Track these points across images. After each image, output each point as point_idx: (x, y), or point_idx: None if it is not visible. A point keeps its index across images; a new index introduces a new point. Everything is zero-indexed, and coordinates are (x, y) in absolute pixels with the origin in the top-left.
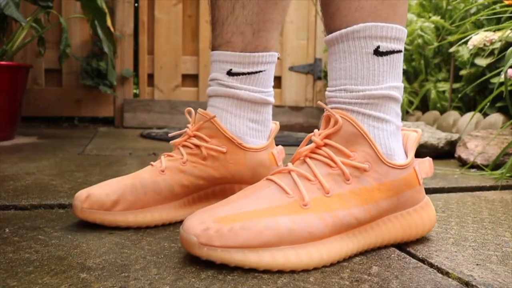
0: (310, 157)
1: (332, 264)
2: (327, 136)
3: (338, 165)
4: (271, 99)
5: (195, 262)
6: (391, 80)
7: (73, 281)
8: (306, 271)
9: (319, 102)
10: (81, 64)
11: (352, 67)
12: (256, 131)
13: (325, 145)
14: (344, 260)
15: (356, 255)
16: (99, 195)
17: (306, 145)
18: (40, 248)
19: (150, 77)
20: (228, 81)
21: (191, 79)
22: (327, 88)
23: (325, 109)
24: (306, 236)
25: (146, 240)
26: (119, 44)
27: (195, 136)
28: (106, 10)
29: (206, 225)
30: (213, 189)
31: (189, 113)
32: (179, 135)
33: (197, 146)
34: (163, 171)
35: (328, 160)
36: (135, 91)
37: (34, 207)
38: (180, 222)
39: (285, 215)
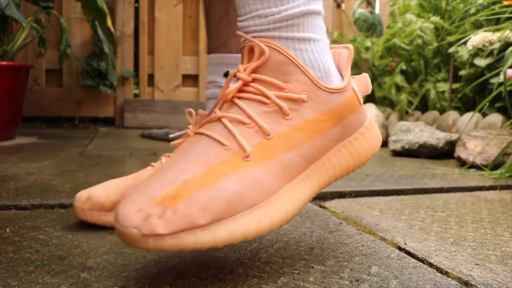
0: (239, 97)
1: (293, 216)
2: (254, 70)
3: (272, 99)
4: None
5: (195, 262)
6: None
7: (73, 281)
8: (306, 271)
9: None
10: (81, 65)
11: None
12: None
13: (254, 80)
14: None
15: (315, 197)
16: (100, 196)
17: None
18: (41, 247)
19: (151, 77)
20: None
21: (191, 79)
22: (238, 18)
23: (244, 40)
24: (259, 196)
25: None
26: (119, 45)
27: None
28: (107, 11)
29: (145, 212)
30: None
31: (190, 114)
32: (180, 136)
33: None
34: None
35: (261, 97)
36: (135, 91)
37: (35, 207)
38: None
39: (229, 176)
